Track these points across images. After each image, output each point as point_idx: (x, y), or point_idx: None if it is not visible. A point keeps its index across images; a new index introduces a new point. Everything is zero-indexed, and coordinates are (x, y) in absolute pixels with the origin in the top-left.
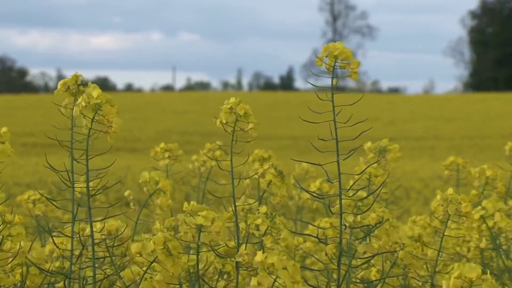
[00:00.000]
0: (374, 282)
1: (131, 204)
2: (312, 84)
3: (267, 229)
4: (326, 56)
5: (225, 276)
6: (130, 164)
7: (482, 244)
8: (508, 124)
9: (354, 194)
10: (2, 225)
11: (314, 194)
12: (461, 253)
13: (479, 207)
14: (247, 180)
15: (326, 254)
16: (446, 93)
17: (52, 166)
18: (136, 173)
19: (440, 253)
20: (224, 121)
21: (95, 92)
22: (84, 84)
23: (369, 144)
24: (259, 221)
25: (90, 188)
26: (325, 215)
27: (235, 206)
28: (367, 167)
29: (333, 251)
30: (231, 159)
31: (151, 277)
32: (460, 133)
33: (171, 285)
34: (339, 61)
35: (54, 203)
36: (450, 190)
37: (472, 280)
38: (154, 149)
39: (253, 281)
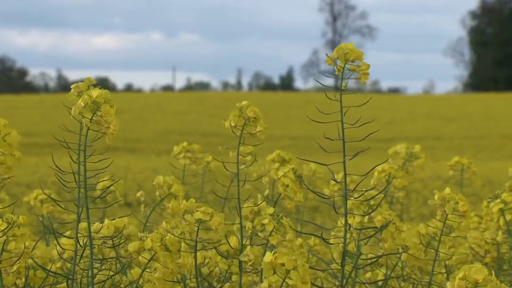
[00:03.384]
0: (378, 282)
1: (142, 206)
2: (322, 84)
3: (273, 229)
4: (337, 57)
5: (230, 277)
6: (130, 164)
7: (499, 238)
8: (508, 124)
9: (361, 195)
10: (6, 226)
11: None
12: (479, 253)
13: (498, 200)
14: (266, 179)
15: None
16: (446, 93)
17: (53, 166)
18: (136, 173)
19: (446, 254)
20: (233, 124)
21: (95, 92)
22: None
23: (398, 147)
24: (265, 221)
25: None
26: (326, 216)
27: (240, 208)
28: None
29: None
30: (237, 161)
31: (148, 279)
32: (460, 133)
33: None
34: (350, 62)
35: (59, 204)
36: (447, 190)
37: (477, 281)
38: (175, 148)
39: (265, 284)
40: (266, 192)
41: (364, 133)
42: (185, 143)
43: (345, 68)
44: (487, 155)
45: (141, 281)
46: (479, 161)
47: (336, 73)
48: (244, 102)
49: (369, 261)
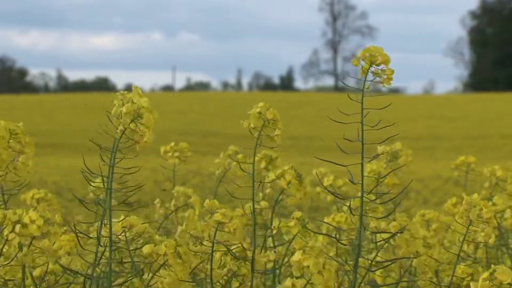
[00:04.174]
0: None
1: (157, 214)
2: (344, 84)
3: (297, 233)
4: (363, 59)
5: (239, 278)
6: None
7: (491, 241)
8: (508, 124)
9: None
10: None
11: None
12: (467, 253)
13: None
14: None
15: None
16: (446, 93)
17: (53, 166)
18: (136, 174)
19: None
20: (252, 126)
21: (143, 100)
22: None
23: (382, 147)
24: (291, 223)
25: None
26: (326, 214)
27: (254, 208)
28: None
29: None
30: (253, 162)
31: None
32: (460, 133)
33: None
34: (375, 66)
35: (59, 203)
36: (475, 196)
37: (503, 283)
38: (162, 148)
39: (288, 283)
40: (268, 190)
41: (369, 133)
42: (172, 143)
43: (369, 71)
44: (487, 155)
45: (153, 281)
46: (479, 161)
47: (361, 74)
48: (261, 104)
49: (381, 265)
